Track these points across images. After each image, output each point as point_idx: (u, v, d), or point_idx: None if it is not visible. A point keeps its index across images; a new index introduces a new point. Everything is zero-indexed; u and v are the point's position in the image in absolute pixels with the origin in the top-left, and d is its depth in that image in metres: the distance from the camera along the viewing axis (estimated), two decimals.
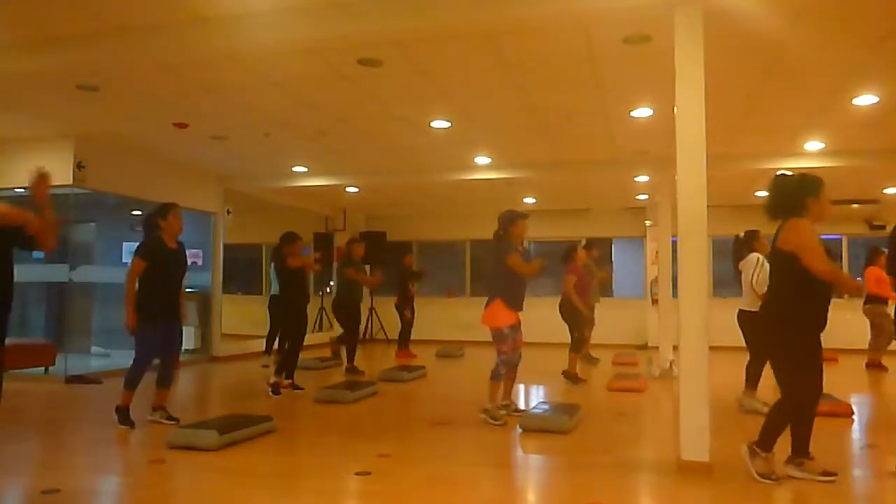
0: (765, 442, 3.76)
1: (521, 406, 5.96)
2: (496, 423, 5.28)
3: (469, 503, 3.59)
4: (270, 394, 6.72)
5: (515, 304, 5.44)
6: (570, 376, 7.60)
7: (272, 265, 7.75)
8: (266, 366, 8.77)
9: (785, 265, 3.68)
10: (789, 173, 3.90)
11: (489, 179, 9.69)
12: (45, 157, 7.88)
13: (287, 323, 7.22)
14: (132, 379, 5.16)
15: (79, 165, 7.75)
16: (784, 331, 3.69)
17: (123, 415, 5.15)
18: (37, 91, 6.20)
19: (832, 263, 3.62)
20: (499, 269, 5.46)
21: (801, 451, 3.79)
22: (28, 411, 6.38)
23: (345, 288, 8.66)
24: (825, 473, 3.73)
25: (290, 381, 7.06)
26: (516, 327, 5.45)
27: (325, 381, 7.44)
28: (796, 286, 3.64)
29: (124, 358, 9.23)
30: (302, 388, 7.01)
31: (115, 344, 9.93)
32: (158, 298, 5.13)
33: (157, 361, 5.29)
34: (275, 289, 8.74)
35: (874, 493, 3.84)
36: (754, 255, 5.91)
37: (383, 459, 4.29)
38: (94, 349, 9.83)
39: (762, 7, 4.24)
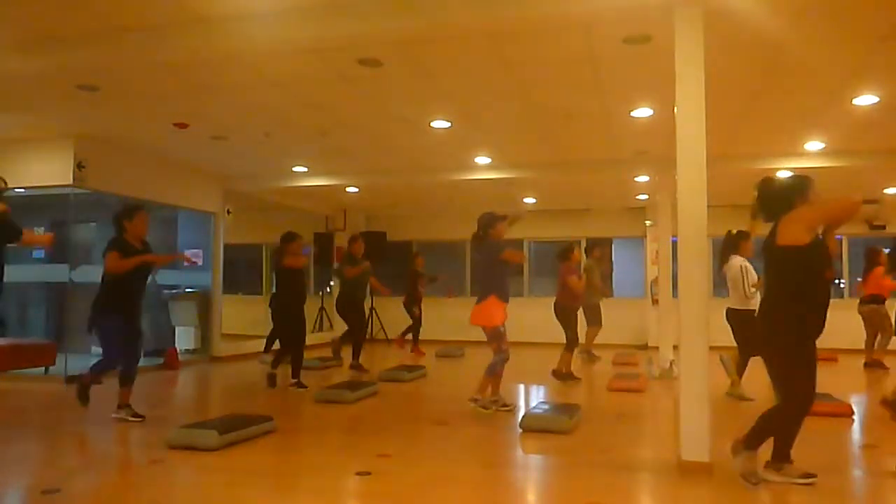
0: (751, 441, 3.67)
1: (509, 402, 6.01)
2: (486, 411, 5.63)
3: (469, 503, 3.59)
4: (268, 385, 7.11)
5: (506, 297, 5.77)
6: (562, 375, 7.63)
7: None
8: (264, 362, 8.72)
9: (784, 264, 3.58)
10: (775, 177, 3.93)
11: (489, 179, 9.69)
12: (45, 157, 7.90)
13: (283, 323, 7.28)
14: (118, 372, 5.40)
15: (79, 165, 7.75)
16: (781, 334, 3.57)
17: (129, 409, 5.40)
18: (37, 91, 6.20)
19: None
20: (490, 267, 5.79)
21: (783, 457, 3.69)
22: (28, 411, 6.38)
23: (348, 286, 8.69)
24: (805, 476, 3.64)
25: (296, 379, 7.13)
26: (504, 326, 5.75)
27: (326, 381, 7.45)
28: (795, 287, 3.55)
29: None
30: (306, 387, 7.05)
31: None
32: (124, 296, 5.32)
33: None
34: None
35: (874, 493, 3.84)
36: (735, 260, 6.21)
37: (383, 459, 4.29)
38: (94, 349, 9.82)
39: (762, 7, 4.24)
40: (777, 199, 3.70)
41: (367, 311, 13.39)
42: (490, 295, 5.71)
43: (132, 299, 5.41)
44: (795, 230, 3.51)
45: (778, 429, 3.67)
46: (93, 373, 5.38)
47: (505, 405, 5.89)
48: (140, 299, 5.52)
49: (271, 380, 7.21)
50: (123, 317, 5.31)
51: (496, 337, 5.70)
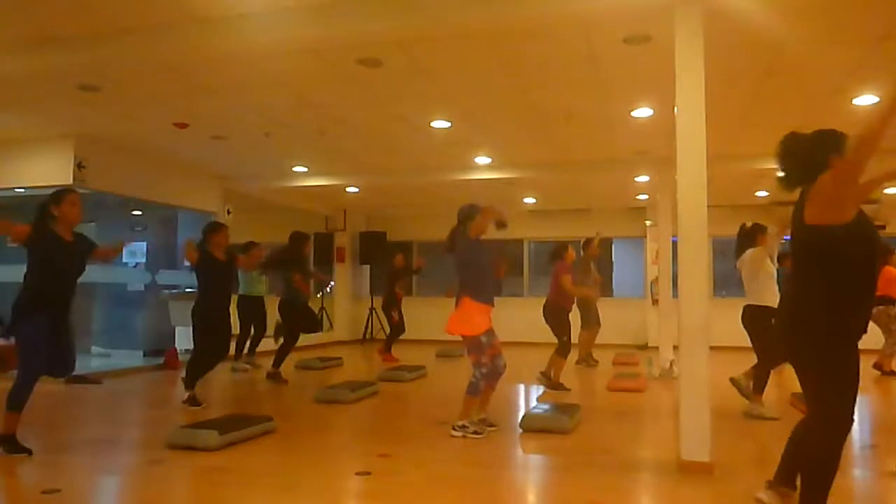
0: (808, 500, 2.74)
1: (494, 423, 5.12)
2: (479, 436, 4.81)
3: (469, 503, 3.58)
4: (189, 406, 5.96)
5: (485, 297, 4.88)
6: (552, 384, 7.09)
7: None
8: (247, 368, 8.54)
9: (814, 247, 2.74)
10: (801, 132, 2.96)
11: (489, 179, 9.69)
12: (45, 157, 7.91)
13: (206, 328, 6.09)
14: (19, 395, 4.30)
15: (79, 165, 7.75)
16: (808, 334, 2.76)
17: (12, 444, 4.29)
18: (37, 91, 6.20)
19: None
20: (462, 264, 4.91)
21: (788, 481, 2.93)
22: (28, 411, 6.35)
23: (293, 289, 7.90)
24: None
25: (192, 392, 6.11)
26: (491, 332, 4.89)
27: (326, 381, 7.44)
28: (829, 274, 2.70)
29: (125, 358, 9.35)
30: (200, 404, 6.02)
31: (116, 344, 9.95)
32: (47, 293, 4.33)
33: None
34: (243, 289, 8.56)
35: (874, 493, 3.84)
36: (749, 252, 5.76)
37: (383, 459, 4.29)
38: (94, 349, 9.83)
39: (762, 7, 4.25)
40: (806, 156, 2.83)
41: (362, 314, 13.51)
42: (464, 297, 4.85)
43: (61, 300, 4.41)
44: (822, 208, 2.70)
45: (830, 459, 2.73)
46: (11, 407, 4.30)
47: (490, 426, 5.04)
48: (70, 301, 4.48)
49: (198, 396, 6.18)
50: (49, 322, 4.30)
51: (474, 348, 4.84)
